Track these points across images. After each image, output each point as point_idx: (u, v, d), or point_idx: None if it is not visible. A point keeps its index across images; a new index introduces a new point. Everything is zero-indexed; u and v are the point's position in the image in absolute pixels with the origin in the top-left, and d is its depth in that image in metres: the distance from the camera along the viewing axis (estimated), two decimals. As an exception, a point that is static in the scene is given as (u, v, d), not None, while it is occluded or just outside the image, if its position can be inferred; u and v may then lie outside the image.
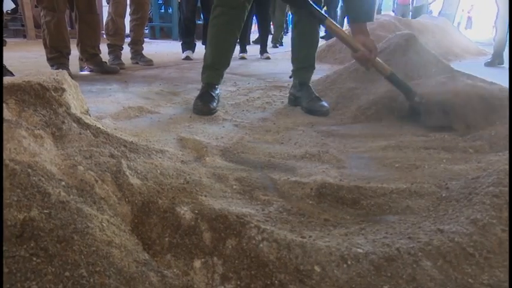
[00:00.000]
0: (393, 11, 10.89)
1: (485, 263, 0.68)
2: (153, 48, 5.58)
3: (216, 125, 1.57)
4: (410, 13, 10.48)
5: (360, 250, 0.67)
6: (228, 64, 1.95)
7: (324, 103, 1.85)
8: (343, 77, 2.13)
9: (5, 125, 0.68)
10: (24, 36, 6.61)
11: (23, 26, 6.68)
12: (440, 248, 0.69)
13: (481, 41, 7.69)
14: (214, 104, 1.79)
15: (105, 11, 3.41)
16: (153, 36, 8.00)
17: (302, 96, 1.92)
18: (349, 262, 0.64)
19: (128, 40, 3.53)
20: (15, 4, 6.81)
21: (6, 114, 0.69)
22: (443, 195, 0.96)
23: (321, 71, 3.35)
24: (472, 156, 1.22)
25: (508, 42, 4.18)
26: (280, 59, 4.33)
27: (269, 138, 1.41)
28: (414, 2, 10.25)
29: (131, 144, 0.87)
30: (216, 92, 1.90)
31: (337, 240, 0.72)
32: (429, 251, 0.69)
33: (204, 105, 1.74)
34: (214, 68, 1.91)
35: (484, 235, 0.73)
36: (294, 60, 2.06)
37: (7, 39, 3.36)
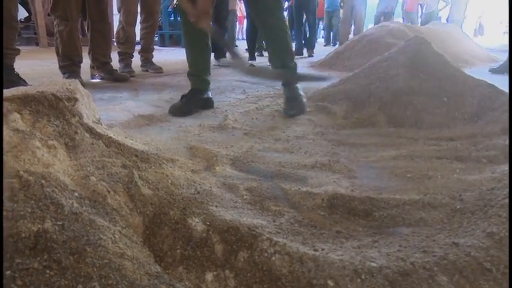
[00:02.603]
0: (403, 18, 10.86)
1: (503, 278, 0.67)
2: (162, 55, 5.63)
3: (226, 133, 1.58)
4: (420, 19, 10.44)
5: (373, 264, 0.66)
6: (207, 69, 2.06)
7: (293, 110, 1.89)
8: (353, 84, 2.12)
9: (19, 135, 0.68)
10: (37, 44, 6.73)
11: (35, 34, 6.80)
12: (456, 263, 0.68)
13: (492, 48, 7.61)
14: (191, 106, 1.95)
15: (116, 19, 3.45)
16: (163, 44, 8.08)
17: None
18: (363, 277, 0.63)
19: (138, 48, 3.57)
20: (28, 13, 6.94)
21: (21, 124, 0.70)
22: (458, 207, 0.95)
23: (330, 78, 3.35)
24: (486, 167, 1.20)
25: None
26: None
27: (279, 147, 1.40)
28: (423, 8, 10.21)
29: (142, 153, 0.87)
30: (203, 96, 2.04)
31: (350, 253, 0.71)
32: (445, 266, 0.67)
33: (181, 106, 1.92)
34: (195, 75, 2.04)
35: (501, 249, 0.71)
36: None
37: (20, 47, 3.42)
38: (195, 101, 1.99)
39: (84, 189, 0.64)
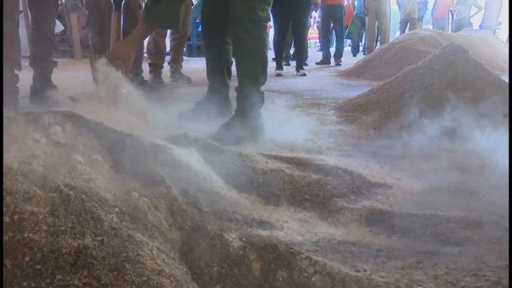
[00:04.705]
0: (432, 25, 10.61)
1: None
2: (190, 65, 5.72)
3: (257, 145, 1.56)
4: (450, 26, 10.16)
5: (422, 289, 0.62)
6: (224, 84, 2.01)
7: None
8: (385, 93, 2.06)
9: (59, 149, 0.69)
10: (71, 56, 7.00)
11: (70, 46, 7.09)
12: (512, 289, 0.62)
13: (529, 54, 7.27)
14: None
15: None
16: (190, 54, 8.22)
17: None
18: (411, 302, 0.59)
19: (167, 58, 3.64)
20: (64, 26, 7.24)
21: (62, 137, 0.71)
22: (506, 225, 0.89)
23: (359, 88, 3.29)
24: (535, 182, 1.12)
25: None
26: (317, 76, 4.29)
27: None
28: (454, 15, 9.93)
29: (181, 168, 0.86)
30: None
31: (395, 275, 0.67)
32: (500, 293, 0.62)
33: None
34: (211, 88, 2.04)
35: (562, 274, 0.65)
36: None
37: (56, 59, 3.56)
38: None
39: (125, 205, 0.64)
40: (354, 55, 6.04)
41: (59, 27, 7.46)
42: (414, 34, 4.40)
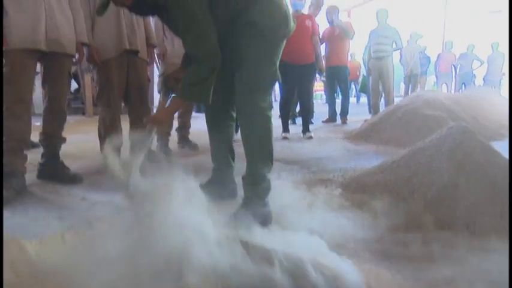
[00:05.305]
0: (436, 77, 10.82)
1: None
2: (198, 123, 5.80)
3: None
4: (454, 80, 10.35)
5: None
6: (228, 165, 2.04)
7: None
8: (392, 174, 2.03)
9: None
10: (83, 114, 7.21)
11: (82, 103, 7.32)
12: None
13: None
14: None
15: (157, 99, 3.64)
16: (199, 110, 8.40)
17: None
18: None
19: (175, 124, 3.69)
20: (78, 85, 7.52)
21: None
22: None
23: (367, 156, 3.26)
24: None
25: None
26: (324, 139, 4.30)
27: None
28: (457, 69, 10.15)
29: None
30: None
31: None
32: None
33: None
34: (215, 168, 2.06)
35: None
36: None
37: (68, 117, 3.65)
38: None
39: None
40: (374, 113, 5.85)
41: (73, 85, 7.77)
42: (419, 96, 4.46)
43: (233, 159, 2.07)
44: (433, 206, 1.70)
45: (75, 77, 7.22)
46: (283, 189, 2.22)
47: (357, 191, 2.05)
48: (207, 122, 2.05)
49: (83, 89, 7.04)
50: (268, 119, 1.74)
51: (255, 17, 1.64)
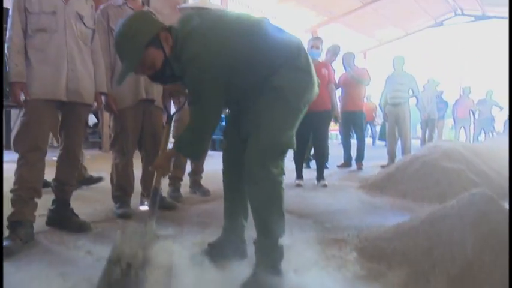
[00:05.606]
0: (454, 122, 10.67)
1: None
2: (213, 162, 5.77)
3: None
4: (473, 125, 10.19)
5: None
6: (240, 225, 1.96)
7: None
8: (411, 242, 1.92)
9: None
10: (100, 148, 7.32)
11: (100, 138, 7.45)
12: None
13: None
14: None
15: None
16: (213, 148, 8.42)
17: None
18: None
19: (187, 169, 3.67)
20: (97, 119, 7.68)
21: None
22: None
23: (383, 211, 3.13)
24: None
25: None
26: (338, 188, 4.19)
27: None
28: (476, 115, 10.02)
29: None
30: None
31: None
32: None
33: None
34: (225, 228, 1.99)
35: None
36: None
37: (85, 150, 3.66)
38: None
39: None
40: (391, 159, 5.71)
41: (92, 119, 7.94)
42: (437, 147, 4.35)
43: (246, 218, 2.00)
44: (456, 285, 1.58)
45: (95, 113, 7.39)
46: (295, 251, 2.13)
47: (373, 257, 1.94)
48: (223, 172, 1.99)
49: (101, 124, 7.18)
50: (279, 184, 1.68)
51: (282, 82, 1.66)
